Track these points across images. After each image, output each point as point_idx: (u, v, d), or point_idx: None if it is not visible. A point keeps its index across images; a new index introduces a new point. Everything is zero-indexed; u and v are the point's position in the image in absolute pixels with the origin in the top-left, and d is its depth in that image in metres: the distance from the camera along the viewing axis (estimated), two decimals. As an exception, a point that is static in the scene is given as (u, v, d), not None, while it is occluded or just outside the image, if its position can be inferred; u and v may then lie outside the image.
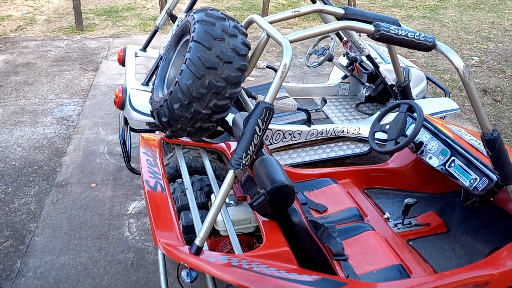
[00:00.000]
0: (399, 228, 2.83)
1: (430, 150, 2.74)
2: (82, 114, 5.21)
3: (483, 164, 2.44)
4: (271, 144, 3.65)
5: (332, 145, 3.86)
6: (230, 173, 1.86)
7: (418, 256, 2.64)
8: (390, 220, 2.90)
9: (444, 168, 2.63)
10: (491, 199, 2.96)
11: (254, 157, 2.32)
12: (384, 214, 2.93)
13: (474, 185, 2.45)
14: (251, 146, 1.84)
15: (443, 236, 2.81)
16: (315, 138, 3.78)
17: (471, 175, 2.47)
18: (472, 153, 2.53)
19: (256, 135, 1.83)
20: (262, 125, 1.83)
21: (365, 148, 3.85)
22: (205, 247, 2.11)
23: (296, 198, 2.43)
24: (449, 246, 2.72)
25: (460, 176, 2.53)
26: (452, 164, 2.58)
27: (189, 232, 2.45)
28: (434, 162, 2.70)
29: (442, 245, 2.73)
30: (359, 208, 2.92)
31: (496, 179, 2.28)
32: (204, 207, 2.70)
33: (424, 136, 2.81)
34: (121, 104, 3.27)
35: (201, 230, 1.88)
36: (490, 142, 2.11)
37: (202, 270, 1.85)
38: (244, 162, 1.85)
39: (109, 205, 3.75)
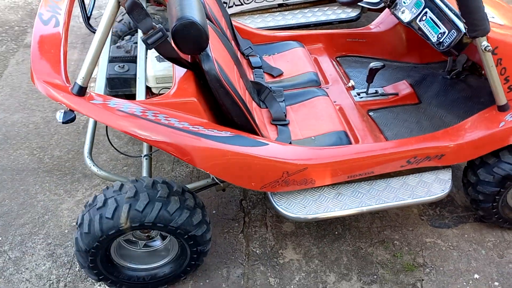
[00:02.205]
0: (361, 97, 2.49)
1: (405, 3, 2.27)
2: (64, -25, 4.81)
3: (456, 15, 1.99)
4: (242, 4, 3.23)
5: (316, 9, 3.39)
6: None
7: (374, 126, 2.33)
8: (355, 89, 2.55)
9: (415, 23, 2.18)
10: (483, 71, 2.53)
11: None
12: (349, 82, 2.58)
13: (441, 39, 2.02)
14: None
15: (411, 108, 2.46)
16: (295, 1, 3.31)
17: (440, 28, 2.03)
18: (448, 3, 2.06)
19: None
20: None
21: (353, 14, 3.37)
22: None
23: (224, 46, 2.09)
24: (415, 118, 2.38)
25: (429, 31, 2.10)
26: (424, 18, 2.13)
27: (114, 86, 2.21)
28: (406, 16, 2.25)
29: (406, 117, 2.39)
30: (320, 74, 2.58)
31: (464, 30, 1.85)
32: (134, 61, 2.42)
33: (400, -14, 2.32)
34: None
35: (83, 68, 1.62)
36: None
37: (81, 111, 1.62)
38: None
39: (73, 67, 3.54)
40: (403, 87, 2.51)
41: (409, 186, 2.06)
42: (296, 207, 1.97)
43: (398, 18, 2.31)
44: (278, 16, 3.32)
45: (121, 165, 2.76)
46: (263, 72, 2.56)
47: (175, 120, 1.71)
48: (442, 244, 2.28)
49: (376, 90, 2.52)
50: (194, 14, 1.70)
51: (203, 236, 1.92)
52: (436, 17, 2.06)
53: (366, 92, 2.50)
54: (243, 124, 1.86)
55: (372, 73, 2.40)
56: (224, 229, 2.40)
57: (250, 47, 2.68)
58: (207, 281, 2.17)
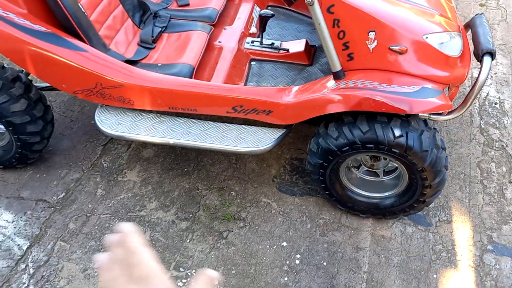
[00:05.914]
0: (252, 45, 2.40)
1: None
2: None
3: None
4: None
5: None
6: None
7: (242, 74, 2.25)
8: (259, 37, 2.46)
9: None
10: None
11: None
12: (251, 29, 2.49)
13: None
14: None
15: (296, 67, 2.33)
16: None
17: None
18: None
19: None
20: None
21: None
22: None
23: None
24: (291, 78, 2.26)
25: None
26: None
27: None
28: None
29: (283, 75, 2.28)
30: (231, 14, 2.52)
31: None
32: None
33: None
34: None
35: None
36: None
37: None
38: None
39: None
40: (299, 46, 2.38)
41: (231, 133, 2.01)
42: (111, 123, 2.02)
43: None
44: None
45: None
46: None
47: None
48: (274, 207, 2.22)
49: (272, 42, 2.42)
50: None
51: (24, 126, 2.05)
52: None
53: (260, 42, 2.41)
54: (67, 26, 1.91)
55: (262, 21, 2.30)
56: (90, 138, 2.51)
57: None
58: (44, 175, 2.32)
